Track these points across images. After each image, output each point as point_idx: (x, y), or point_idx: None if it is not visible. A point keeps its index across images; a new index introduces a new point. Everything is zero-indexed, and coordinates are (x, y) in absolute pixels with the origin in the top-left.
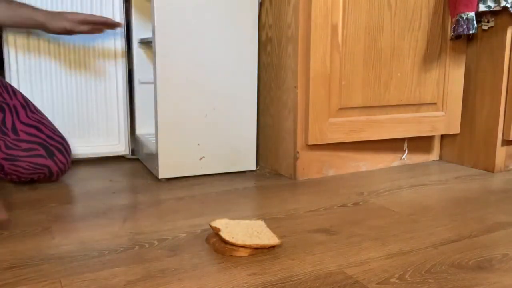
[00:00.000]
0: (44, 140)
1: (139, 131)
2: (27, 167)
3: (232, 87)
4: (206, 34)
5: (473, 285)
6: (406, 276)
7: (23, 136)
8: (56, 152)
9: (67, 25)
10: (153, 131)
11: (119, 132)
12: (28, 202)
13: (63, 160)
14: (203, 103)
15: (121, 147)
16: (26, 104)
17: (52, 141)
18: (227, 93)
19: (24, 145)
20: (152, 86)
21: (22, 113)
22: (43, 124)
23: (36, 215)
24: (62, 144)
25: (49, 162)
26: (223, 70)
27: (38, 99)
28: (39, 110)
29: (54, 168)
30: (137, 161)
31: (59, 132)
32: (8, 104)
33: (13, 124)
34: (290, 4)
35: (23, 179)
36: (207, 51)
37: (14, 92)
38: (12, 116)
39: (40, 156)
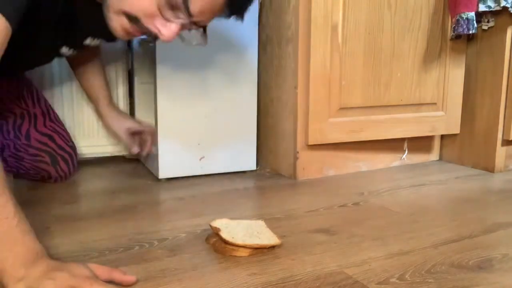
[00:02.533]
0: (53, 149)
1: None
2: (29, 167)
3: (232, 87)
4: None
5: (473, 285)
6: (406, 276)
7: (34, 143)
8: (61, 161)
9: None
10: None
11: None
12: (28, 202)
13: (65, 169)
14: (203, 103)
15: (121, 147)
16: (47, 112)
17: (61, 151)
18: (227, 93)
19: (31, 151)
20: (152, 86)
21: (40, 121)
22: (58, 133)
23: (36, 215)
24: (70, 154)
25: (50, 169)
26: (223, 70)
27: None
28: (58, 119)
29: (54, 174)
30: (137, 161)
31: (71, 143)
32: (29, 112)
33: (28, 131)
34: (290, 4)
35: (20, 174)
36: (207, 51)
37: (39, 98)
38: (29, 123)
39: (44, 162)
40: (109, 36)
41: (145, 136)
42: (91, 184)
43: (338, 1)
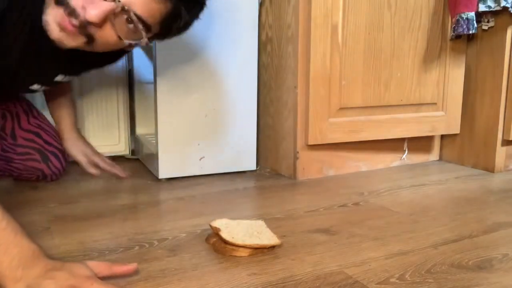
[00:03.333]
0: (41, 145)
1: (139, 131)
2: (21, 168)
3: (232, 87)
4: (206, 34)
5: (473, 285)
6: (406, 276)
7: (21, 141)
8: (51, 157)
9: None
10: (153, 131)
11: (119, 132)
12: (28, 202)
13: (58, 165)
14: (203, 103)
15: (121, 147)
16: (29, 109)
17: (50, 147)
18: (227, 93)
19: (20, 150)
20: (152, 86)
21: (24, 119)
22: (43, 129)
23: (36, 215)
24: (59, 150)
25: (42, 166)
26: (223, 70)
27: (39, 102)
28: (42, 115)
29: (48, 172)
30: (137, 161)
31: (58, 138)
32: (10, 112)
33: (13, 130)
34: (290, 4)
35: (15, 177)
36: (207, 51)
37: (19, 99)
38: (13, 122)
39: (35, 160)
40: (79, 71)
41: (105, 167)
42: (91, 184)
43: (338, 1)
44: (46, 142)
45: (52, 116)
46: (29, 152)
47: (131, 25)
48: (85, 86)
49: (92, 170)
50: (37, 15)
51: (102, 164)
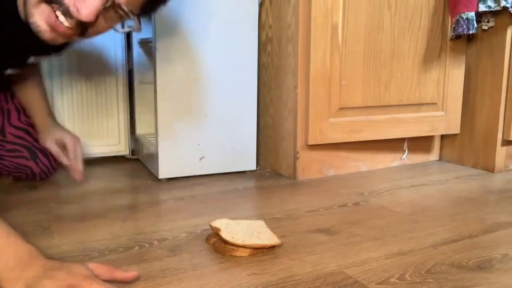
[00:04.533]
0: (31, 143)
1: (139, 131)
2: (9, 165)
3: (232, 87)
4: (206, 34)
5: (473, 285)
6: (406, 276)
7: (10, 138)
8: (40, 155)
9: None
10: (153, 131)
11: (119, 132)
12: (28, 202)
13: (46, 163)
14: (203, 103)
15: (121, 147)
16: (21, 107)
17: (38, 144)
18: (227, 93)
19: (8, 146)
20: (152, 86)
21: (14, 116)
22: (33, 128)
23: (36, 215)
24: None
25: (31, 164)
26: (223, 70)
27: None
28: None
29: (36, 170)
30: (137, 161)
31: None
32: (2, 108)
33: (3, 126)
34: (290, 4)
35: (5, 175)
36: (207, 51)
37: (12, 96)
38: (3, 118)
39: (23, 157)
40: (50, 51)
41: (68, 146)
42: (91, 184)
43: (338, 1)
44: (35, 139)
45: (21, 102)
46: (17, 149)
47: (118, 14)
48: (85, 86)
49: (63, 160)
50: (10, 2)
51: (70, 154)
